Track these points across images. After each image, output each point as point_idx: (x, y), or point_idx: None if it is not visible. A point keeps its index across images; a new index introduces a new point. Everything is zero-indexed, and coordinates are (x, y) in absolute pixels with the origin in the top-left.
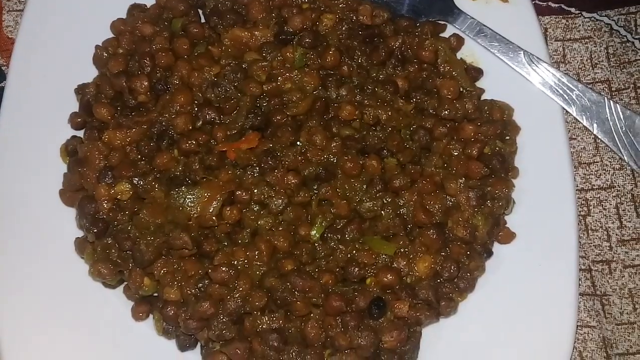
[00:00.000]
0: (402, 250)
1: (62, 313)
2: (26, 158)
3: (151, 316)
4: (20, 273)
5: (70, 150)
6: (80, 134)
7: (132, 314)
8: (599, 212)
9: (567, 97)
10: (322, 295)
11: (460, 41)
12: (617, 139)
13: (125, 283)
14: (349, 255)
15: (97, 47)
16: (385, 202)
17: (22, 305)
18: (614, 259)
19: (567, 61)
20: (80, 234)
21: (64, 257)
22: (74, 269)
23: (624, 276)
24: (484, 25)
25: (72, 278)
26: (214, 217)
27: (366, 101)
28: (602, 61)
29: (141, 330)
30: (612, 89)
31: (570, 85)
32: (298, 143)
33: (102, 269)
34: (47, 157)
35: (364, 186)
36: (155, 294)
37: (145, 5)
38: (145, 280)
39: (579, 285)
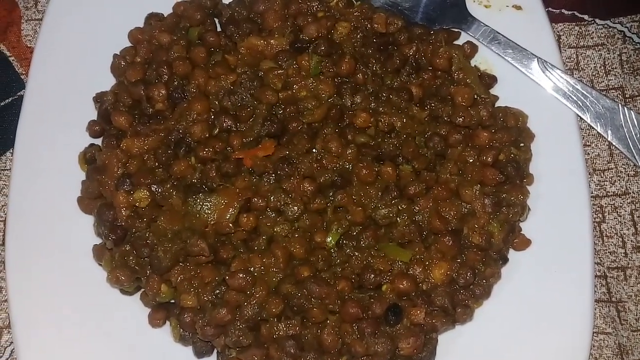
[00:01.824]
0: (418, 257)
1: (79, 319)
2: (45, 166)
3: (168, 323)
4: (39, 280)
5: (88, 158)
6: (98, 142)
7: (149, 320)
8: (614, 218)
9: (581, 104)
10: (339, 301)
11: (474, 48)
12: (631, 145)
13: (143, 290)
14: (364, 262)
15: (115, 55)
16: (400, 208)
17: (40, 311)
18: (629, 265)
19: (580, 68)
20: (98, 241)
21: (82, 264)
22: (92, 275)
23: (639, 282)
24: (498, 33)
25: (90, 285)
26: (230, 224)
27: (381, 109)
28: (616, 68)
29: (158, 336)
30: (626, 96)
31: (585, 92)
32: (314, 150)
33: (120, 276)
34: (65, 164)
35: (380, 193)
36: (173, 301)
37: (163, 14)
38: (163, 286)
39: (595, 291)
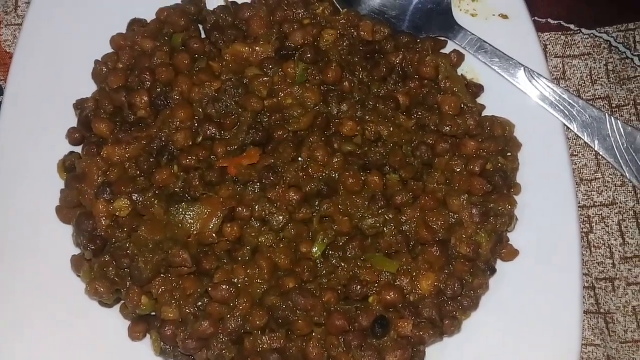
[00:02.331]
0: (405, 267)
1: (57, 331)
2: (23, 174)
3: (148, 336)
4: (15, 291)
5: (67, 166)
6: (78, 149)
7: (129, 333)
8: (601, 229)
9: (567, 113)
10: (324, 313)
11: (460, 57)
12: (618, 155)
13: (122, 302)
14: (350, 273)
15: (96, 61)
16: (387, 218)
17: (17, 323)
18: (617, 276)
19: (567, 77)
20: (77, 251)
21: (59, 275)
22: (70, 287)
23: (627, 293)
24: (484, 42)
25: (68, 296)
26: (213, 234)
27: (367, 117)
28: (602, 77)
29: (138, 350)
30: (612, 105)
31: (571, 102)
32: (299, 159)
33: (99, 287)
34: (44, 172)
35: (366, 202)
36: (153, 313)
37: (146, 20)
38: (143, 298)
39: (583, 303)
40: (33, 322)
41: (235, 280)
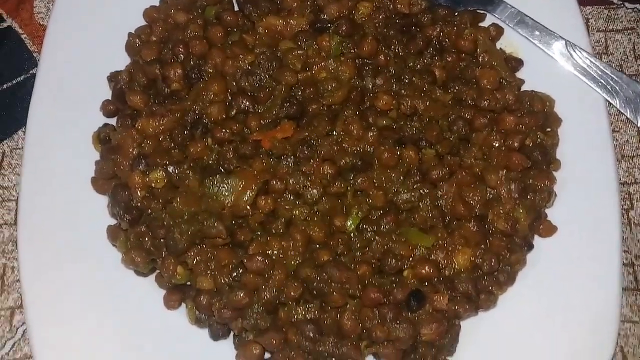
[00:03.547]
0: (440, 242)
1: (92, 300)
2: (58, 145)
3: (183, 305)
4: (52, 261)
5: (102, 138)
6: (113, 121)
7: (164, 302)
8: None
9: (610, 89)
10: (359, 286)
11: (499, 31)
12: None
13: (158, 271)
14: (385, 247)
15: (129, 34)
16: (422, 193)
17: (52, 292)
18: None
19: (609, 52)
20: (112, 222)
21: (96, 245)
22: (106, 256)
23: None
24: (525, 15)
25: (104, 266)
26: (248, 207)
27: (403, 91)
28: None
29: (173, 318)
30: None
31: (614, 77)
32: (334, 133)
33: (136, 257)
34: (79, 144)
35: (401, 177)
36: (188, 283)
37: None
38: (179, 268)
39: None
40: (69, 290)
41: (270, 252)
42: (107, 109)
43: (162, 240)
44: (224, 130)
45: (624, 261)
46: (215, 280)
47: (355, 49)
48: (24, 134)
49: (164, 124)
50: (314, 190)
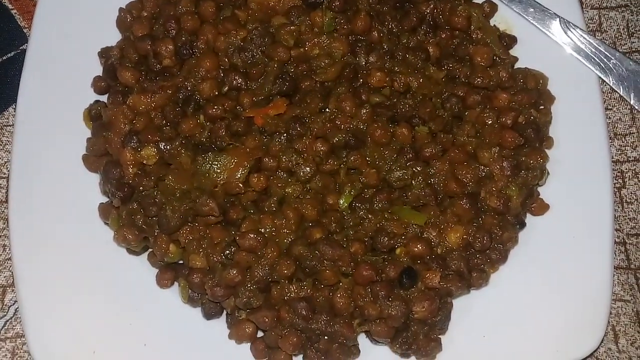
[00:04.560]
0: (433, 220)
1: (84, 278)
2: (48, 122)
3: (176, 284)
4: (43, 239)
5: (93, 115)
6: (104, 98)
7: (157, 280)
8: (635, 184)
9: (603, 66)
10: (352, 264)
11: (493, 7)
12: None
13: (150, 250)
14: (378, 225)
15: (120, 9)
16: (415, 171)
17: (43, 270)
18: None
19: (603, 30)
20: (103, 199)
21: (87, 222)
22: (98, 234)
23: None
24: None
25: (96, 243)
26: (240, 184)
27: (396, 68)
28: (639, 30)
29: (166, 297)
30: None
31: (607, 54)
32: (326, 110)
33: (128, 235)
34: (69, 121)
35: (394, 155)
36: (181, 261)
37: None
38: (171, 246)
39: (614, 258)
40: (61, 268)
41: (263, 230)
42: (98, 85)
43: (154, 218)
44: (216, 107)
45: (616, 239)
46: (207, 259)
47: (348, 25)
48: (15, 111)
49: (156, 101)
50: (307, 168)
